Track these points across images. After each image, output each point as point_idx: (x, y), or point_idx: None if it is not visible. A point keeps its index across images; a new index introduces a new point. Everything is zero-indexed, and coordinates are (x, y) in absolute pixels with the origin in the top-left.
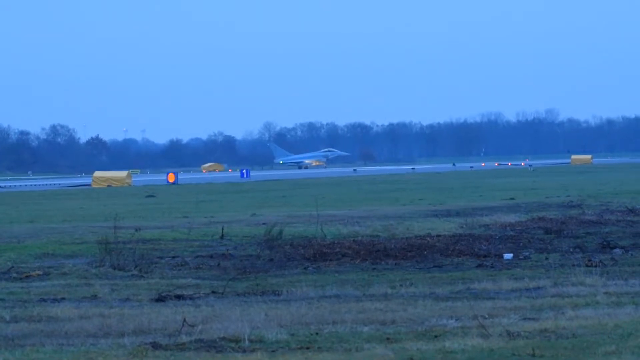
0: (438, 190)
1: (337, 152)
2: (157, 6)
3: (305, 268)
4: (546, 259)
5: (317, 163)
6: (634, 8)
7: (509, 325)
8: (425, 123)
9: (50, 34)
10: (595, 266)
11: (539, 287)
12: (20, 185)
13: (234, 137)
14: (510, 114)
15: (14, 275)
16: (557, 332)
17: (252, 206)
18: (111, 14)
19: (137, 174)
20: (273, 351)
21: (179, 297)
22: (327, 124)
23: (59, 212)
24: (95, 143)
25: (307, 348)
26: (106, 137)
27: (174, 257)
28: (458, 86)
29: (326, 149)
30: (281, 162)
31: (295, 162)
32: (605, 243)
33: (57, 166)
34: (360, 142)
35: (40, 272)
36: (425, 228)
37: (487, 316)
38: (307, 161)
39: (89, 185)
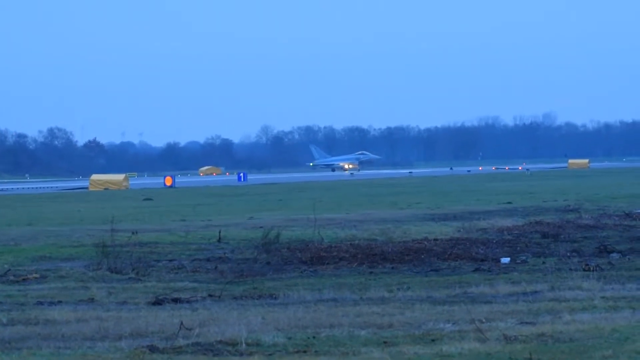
0: (435, 194)
1: (369, 155)
2: (155, 12)
3: (302, 271)
4: (543, 263)
5: (352, 166)
6: (631, 14)
7: (506, 329)
8: (422, 127)
9: (48, 38)
10: (593, 270)
11: (536, 291)
12: (18, 188)
13: (231, 140)
14: (508, 118)
15: (11, 278)
16: (554, 336)
17: (250, 210)
18: (109, 18)
19: (134, 177)
20: (270, 355)
21: (176, 301)
22: (324, 128)
23: (56, 215)
24: (93, 146)
25: (304, 352)
26: (103, 140)
27: (171, 261)
28: (456, 90)
29: (359, 152)
30: (311, 164)
31: (327, 165)
32: (602, 247)
33: (54, 169)
34: (357, 145)
35: (37, 275)
36: (423, 232)
37: (484, 320)
38: (341, 164)
39: (87, 188)
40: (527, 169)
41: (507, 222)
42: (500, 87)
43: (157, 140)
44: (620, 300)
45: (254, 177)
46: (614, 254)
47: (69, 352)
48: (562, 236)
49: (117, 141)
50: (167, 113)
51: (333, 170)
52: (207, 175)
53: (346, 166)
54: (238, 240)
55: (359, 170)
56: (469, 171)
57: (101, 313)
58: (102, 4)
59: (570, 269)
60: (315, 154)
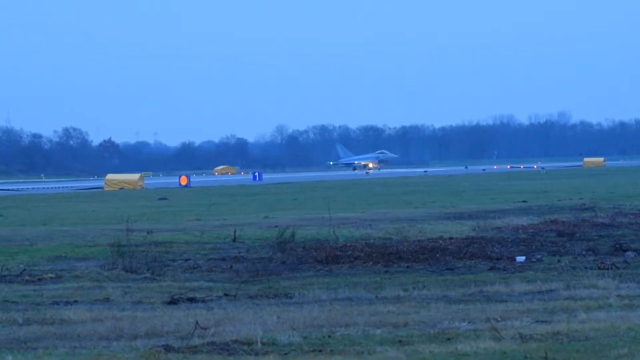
0: (450, 193)
1: (388, 153)
2: (171, 12)
3: (317, 271)
4: (558, 261)
5: (374, 165)
6: None
7: (521, 328)
8: (437, 126)
9: (63, 38)
10: (608, 269)
11: (551, 290)
12: (33, 188)
13: (246, 139)
14: (523, 117)
15: (27, 278)
16: (569, 334)
17: (265, 209)
18: (124, 19)
19: (149, 176)
20: (285, 354)
21: (191, 300)
22: (339, 127)
23: (71, 214)
24: (108, 146)
25: (320, 351)
26: (118, 140)
27: (186, 260)
28: (470, 89)
29: (378, 151)
30: (331, 163)
31: (347, 164)
32: (617, 246)
33: (69, 169)
34: (372, 144)
35: (52, 275)
36: (438, 231)
37: (499, 319)
38: (362, 163)
39: (102, 188)
40: (542, 168)
41: (522, 221)
42: (515, 85)
43: (172, 139)
44: (636, 299)
45: (268, 177)
46: (630, 253)
47: (84, 351)
48: (577, 235)
49: (132, 141)
50: (182, 113)
51: (354, 169)
52: (222, 175)
53: (370, 165)
54: (253, 240)
55: (379, 169)
56: (483, 170)
57: (116, 313)
58: (116, 5)
59: (586, 268)
60: (341, 152)
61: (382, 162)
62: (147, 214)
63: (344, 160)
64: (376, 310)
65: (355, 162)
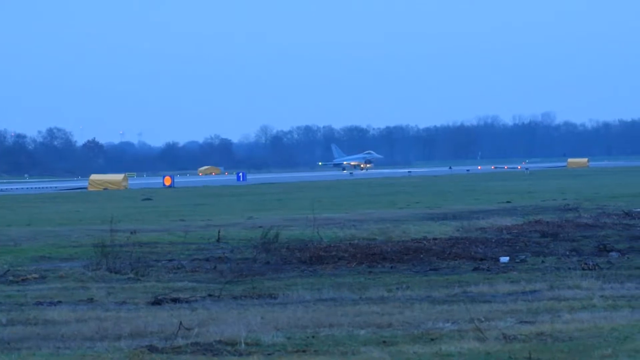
0: (434, 194)
1: (375, 154)
2: (156, 12)
3: (301, 271)
4: (542, 262)
5: (365, 165)
6: (630, 14)
7: (505, 329)
8: (422, 126)
9: (47, 39)
10: (592, 269)
11: (535, 291)
12: (17, 189)
13: (230, 140)
14: (507, 117)
15: (11, 278)
16: (553, 335)
17: (249, 209)
18: (107, 19)
19: (133, 177)
20: (269, 354)
21: (175, 301)
22: (323, 127)
23: (55, 215)
24: (92, 146)
25: (304, 351)
26: (102, 140)
27: (170, 260)
28: (455, 89)
29: (366, 152)
30: (320, 163)
31: (336, 165)
32: (601, 246)
33: (53, 169)
34: (357, 145)
35: (36, 275)
36: (422, 231)
37: (483, 319)
38: (352, 163)
39: (86, 188)
40: (526, 168)
41: (506, 221)
42: (499, 86)
43: (156, 140)
44: (619, 299)
45: (253, 177)
46: (613, 253)
47: (68, 352)
48: (561, 235)
49: (116, 141)
50: (166, 113)
51: (343, 169)
52: (206, 175)
53: (362, 165)
54: (237, 240)
55: (367, 169)
56: (468, 170)
57: (100, 313)
58: (102, 5)
59: (570, 268)
60: (335, 153)
61: (369, 163)
62: (131, 215)
63: (335, 160)
64: (360, 310)
65: (344, 163)
